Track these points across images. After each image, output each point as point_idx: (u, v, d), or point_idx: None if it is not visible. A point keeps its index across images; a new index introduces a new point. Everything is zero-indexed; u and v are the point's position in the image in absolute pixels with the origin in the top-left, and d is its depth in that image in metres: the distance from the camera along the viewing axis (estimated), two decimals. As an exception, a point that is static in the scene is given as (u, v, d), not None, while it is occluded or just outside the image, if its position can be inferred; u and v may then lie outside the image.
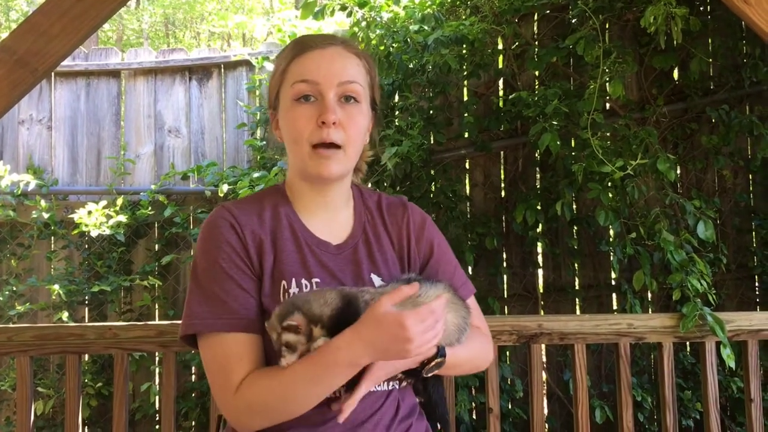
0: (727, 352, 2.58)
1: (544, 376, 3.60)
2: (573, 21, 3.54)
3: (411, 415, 1.50)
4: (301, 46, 1.43)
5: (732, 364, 2.61)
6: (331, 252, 1.46)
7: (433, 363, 1.35)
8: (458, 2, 3.69)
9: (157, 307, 3.87)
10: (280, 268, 1.40)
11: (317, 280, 1.41)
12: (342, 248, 1.48)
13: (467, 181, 3.84)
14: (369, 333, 1.23)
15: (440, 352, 1.35)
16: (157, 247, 3.95)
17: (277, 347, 1.28)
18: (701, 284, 2.68)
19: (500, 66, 3.70)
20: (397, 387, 1.46)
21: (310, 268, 1.42)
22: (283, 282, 1.39)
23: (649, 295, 3.67)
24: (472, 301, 1.60)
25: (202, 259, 1.40)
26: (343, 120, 1.39)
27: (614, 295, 3.81)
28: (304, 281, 1.40)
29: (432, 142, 3.59)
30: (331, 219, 1.51)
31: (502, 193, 3.83)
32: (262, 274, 1.40)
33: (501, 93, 3.86)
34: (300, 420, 1.34)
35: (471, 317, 1.49)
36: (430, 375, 1.38)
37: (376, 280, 1.46)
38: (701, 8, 3.73)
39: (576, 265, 3.78)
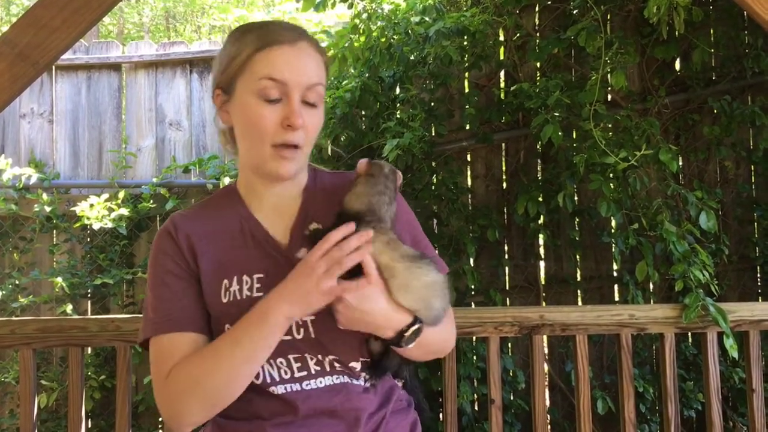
0: (730, 342, 2.58)
1: (546, 367, 3.61)
2: (574, 12, 3.53)
3: (384, 405, 1.46)
4: (270, 38, 1.37)
5: (735, 354, 2.61)
6: (280, 249, 1.42)
7: (410, 330, 1.32)
8: (459, -7, 3.68)
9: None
10: (224, 266, 1.40)
11: (260, 275, 1.39)
12: (291, 248, 1.42)
13: (469, 173, 3.84)
14: (285, 282, 1.29)
15: (416, 320, 1.34)
16: (158, 240, 3.95)
17: None
18: (703, 275, 2.68)
19: (501, 57, 3.70)
20: (363, 383, 1.42)
21: (253, 263, 1.39)
22: (225, 281, 1.39)
23: (651, 286, 3.67)
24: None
25: (148, 269, 1.46)
26: (306, 122, 1.36)
27: (616, 287, 3.81)
28: (245, 278, 1.38)
29: (433, 134, 3.59)
30: (280, 210, 1.47)
31: (504, 185, 3.83)
32: (200, 275, 1.40)
33: (502, 84, 3.85)
34: (264, 412, 1.37)
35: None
36: (410, 345, 1.34)
37: None
38: (702, -2, 3.72)
39: (578, 256, 3.78)
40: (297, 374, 1.37)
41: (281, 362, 1.37)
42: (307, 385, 1.37)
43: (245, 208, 1.47)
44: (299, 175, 1.49)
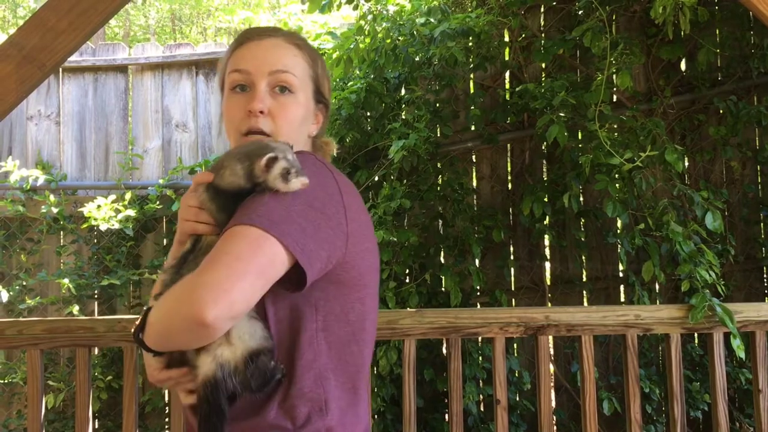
0: (737, 343, 2.58)
1: (552, 368, 3.60)
2: (579, 12, 3.53)
3: None
4: (242, 38, 1.44)
5: (742, 354, 2.61)
6: None
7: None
8: (464, -6, 3.69)
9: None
10: None
11: None
12: None
13: (474, 173, 3.84)
14: None
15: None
16: (165, 241, 3.97)
17: None
18: (710, 275, 2.67)
19: (507, 58, 3.70)
20: None
21: None
22: None
23: (657, 286, 3.67)
24: (232, 231, 1.15)
25: None
26: (274, 110, 1.37)
27: (622, 287, 3.80)
28: None
29: (438, 135, 3.59)
30: None
31: (509, 186, 3.83)
32: None
33: (507, 85, 3.85)
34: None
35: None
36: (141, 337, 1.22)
37: None
38: (708, -2, 3.71)
39: (583, 257, 3.77)
40: None
41: None
42: None
43: None
44: None
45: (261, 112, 1.35)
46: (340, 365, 1.28)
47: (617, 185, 3.00)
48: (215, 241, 1.18)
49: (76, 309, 3.72)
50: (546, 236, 3.69)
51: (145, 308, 1.25)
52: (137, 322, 1.24)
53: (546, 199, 3.42)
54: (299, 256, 1.13)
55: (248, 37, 1.43)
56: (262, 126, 1.35)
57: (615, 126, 3.28)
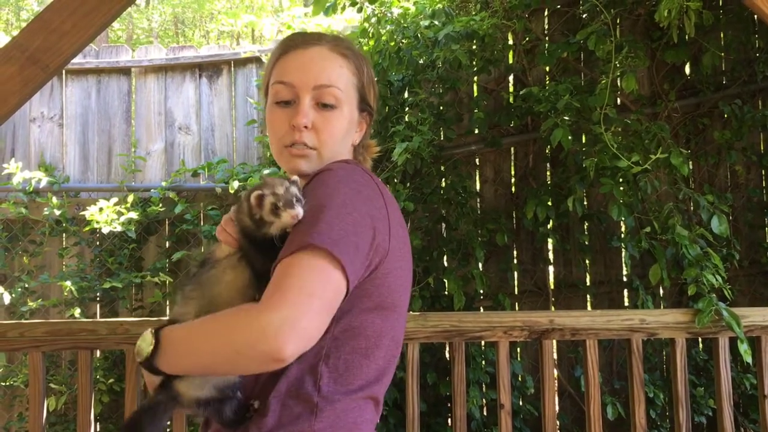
0: (744, 348, 2.57)
1: (556, 372, 3.59)
2: (584, 16, 3.52)
3: None
4: (286, 45, 1.42)
5: (749, 359, 2.60)
6: None
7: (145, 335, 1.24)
8: (468, -3, 3.69)
9: (167, 303, 3.88)
10: None
11: None
12: None
13: (477, 177, 3.83)
14: None
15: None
16: (167, 243, 3.96)
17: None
18: (716, 279, 2.66)
19: (510, 61, 3.69)
20: None
21: None
22: None
23: (661, 291, 3.65)
24: (290, 260, 1.16)
25: None
26: (318, 124, 1.37)
27: (626, 291, 3.79)
28: None
29: (442, 137, 3.58)
30: None
31: (513, 189, 3.82)
32: None
33: (511, 88, 3.84)
34: None
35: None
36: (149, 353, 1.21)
37: None
38: (713, 2, 3.70)
39: (587, 261, 3.76)
40: None
41: None
42: None
43: None
44: None
45: (305, 127, 1.36)
46: (348, 377, 1.28)
47: (622, 189, 3.00)
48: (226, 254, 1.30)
49: (77, 311, 3.71)
50: (550, 240, 3.68)
51: (150, 331, 1.23)
52: (142, 344, 1.22)
53: (550, 203, 3.41)
54: (350, 278, 1.17)
55: (293, 45, 1.41)
56: (305, 140, 1.36)
57: (620, 130, 3.27)
